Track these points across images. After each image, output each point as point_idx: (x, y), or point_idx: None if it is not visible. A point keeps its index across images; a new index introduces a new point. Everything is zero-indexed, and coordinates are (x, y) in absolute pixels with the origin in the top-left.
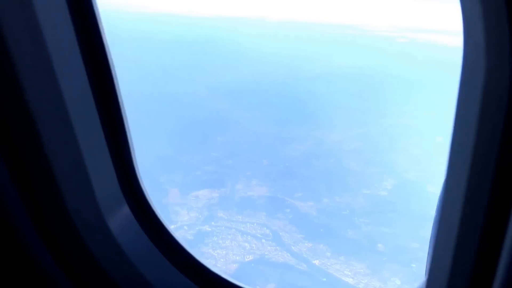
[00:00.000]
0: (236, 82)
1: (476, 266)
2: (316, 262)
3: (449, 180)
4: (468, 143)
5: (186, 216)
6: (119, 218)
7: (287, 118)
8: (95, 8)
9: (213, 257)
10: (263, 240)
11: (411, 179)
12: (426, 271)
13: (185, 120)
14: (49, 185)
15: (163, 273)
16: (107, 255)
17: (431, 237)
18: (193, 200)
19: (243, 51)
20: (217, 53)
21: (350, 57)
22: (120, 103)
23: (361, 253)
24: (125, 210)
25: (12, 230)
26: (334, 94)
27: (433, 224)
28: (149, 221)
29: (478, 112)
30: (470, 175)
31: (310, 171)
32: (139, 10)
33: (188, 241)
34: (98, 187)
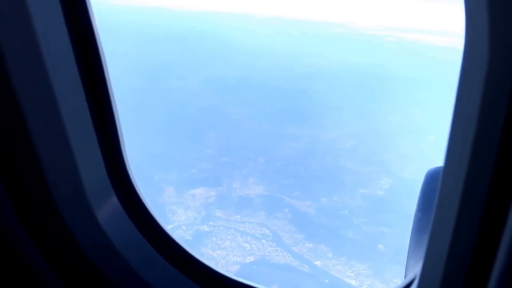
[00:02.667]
0: (227, 78)
1: (471, 264)
2: (318, 263)
3: (446, 175)
4: (467, 136)
5: (183, 215)
6: (108, 209)
7: (281, 114)
8: (87, 2)
9: (213, 258)
10: (263, 241)
11: (407, 178)
12: (406, 270)
13: (178, 116)
14: (36, 175)
15: (152, 264)
16: (95, 246)
17: (410, 241)
18: (190, 199)
19: (233, 46)
20: (207, 48)
21: (340, 55)
22: (110, 94)
23: (362, 254)
24: (114, 201)
25: None
26: (325, 92)
27: (414, 223)
28: (138, 212)
29: (479, 105)
30: (468, 170)
31: (306, 170)
32: (126, 3)
33: (187, 242)
34: (87, 177)
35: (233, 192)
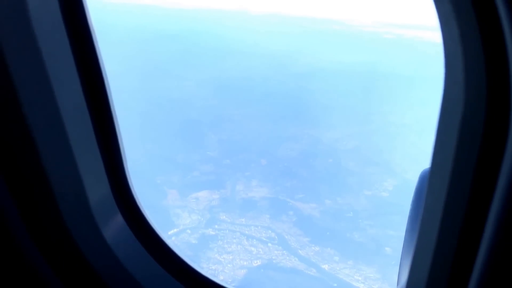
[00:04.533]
0: (225, 78)
1: (453, 267)
2: (325, 267)
3: (432, 180)
4: (446, 169)
5: (188, 219)
6: (113, 227)
7: (280, 115)
8: (84, 5)
9: (220, 263)
10: (269, 244)
11: (411, 179)
12: (399, 273)
13: (177, 117)
14: (45, 194)
15: (157, 279)
16: (101, 263)
17: (404, 241)
18: (194, 202)
19: (229, 45)
20: (203, 47)
21: (338, 52)
22: (112, 111)
23: (369, 257)
24: (119, 219)
25: (8, 238)
26: (325, 91)
27: (407, 228)
28: (142, 229)
29: (456, 143)
30: (452, 173)
31: (309, 171)
32: (116, 1)
33: (193, 246)
34: (92, 196)
35: (236, 194)
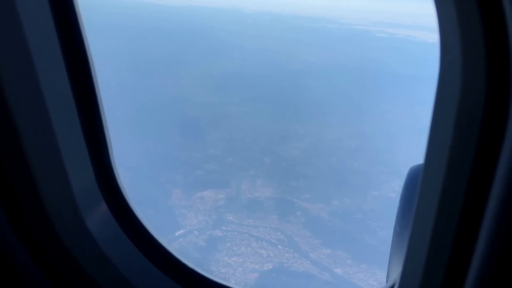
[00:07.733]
0: (222, 75)
1: (449, 267)
2: (338, 271)
3: (426, 175)
4: (446, 135)
5: (194, 219)
6: (97, 216)
7: (281, 113)
8: (75, 2)
9: (230, 266)
10: (279, 247)
11: None
12: (388, 271)
13: (177, 115)
14: (27, 182)
15: (141, 270)
16: (84, 252)
17: (393, 239)
18: (199, 202)
19: (223, 42)
20: (198, 44)
21: (333, 50)
22: (98, 100)
23: (382, 261)
24: (103, 207)
25: None
26: (321, 88)
27: (396, 226)
28: (127, 219)
29: (453, 127)
30: (447, 169)
31: (314, 171)
32: None
33: (201, 248)
34: (76, 184)
35: (242, 194)
